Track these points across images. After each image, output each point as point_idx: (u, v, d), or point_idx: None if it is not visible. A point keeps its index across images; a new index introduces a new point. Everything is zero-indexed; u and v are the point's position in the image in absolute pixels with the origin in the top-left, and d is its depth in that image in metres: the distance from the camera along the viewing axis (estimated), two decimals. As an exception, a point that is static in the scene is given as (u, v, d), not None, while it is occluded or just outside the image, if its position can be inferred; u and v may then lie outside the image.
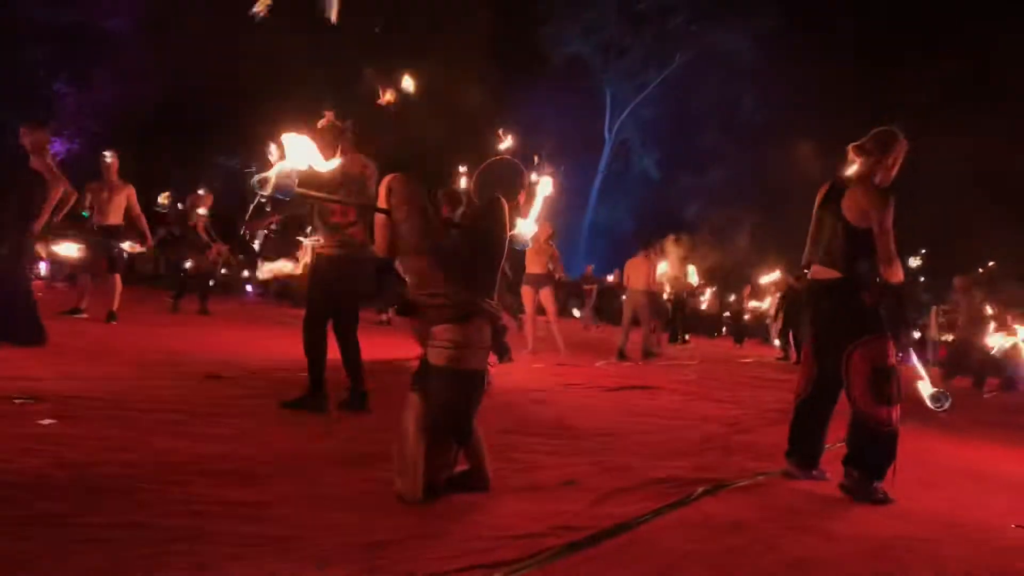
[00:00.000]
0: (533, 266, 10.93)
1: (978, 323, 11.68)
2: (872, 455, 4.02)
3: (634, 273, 11.88)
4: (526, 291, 11.03)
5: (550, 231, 10.94)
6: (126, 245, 8.92)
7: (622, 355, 11.41)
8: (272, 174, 2.94)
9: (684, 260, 14.55)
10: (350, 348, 4.99)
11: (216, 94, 20.13)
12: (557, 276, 11.20)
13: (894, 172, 4.25)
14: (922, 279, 28.25)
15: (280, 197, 2.97)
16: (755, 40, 28.18)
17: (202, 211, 11.54)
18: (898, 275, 4.12)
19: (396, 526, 2.83)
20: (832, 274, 4.22)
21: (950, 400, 4.77)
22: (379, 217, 3.42)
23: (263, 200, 3.46)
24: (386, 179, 3.39)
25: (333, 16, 5.75)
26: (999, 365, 11.69)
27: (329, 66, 23.87)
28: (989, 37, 25.21)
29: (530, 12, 28.05)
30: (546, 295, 10.86)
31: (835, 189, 4.30)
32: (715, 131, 29.33)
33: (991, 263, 18.06)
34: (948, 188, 22.86)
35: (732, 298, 23.34)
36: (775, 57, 27.49)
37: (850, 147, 4.31)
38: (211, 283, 12.37)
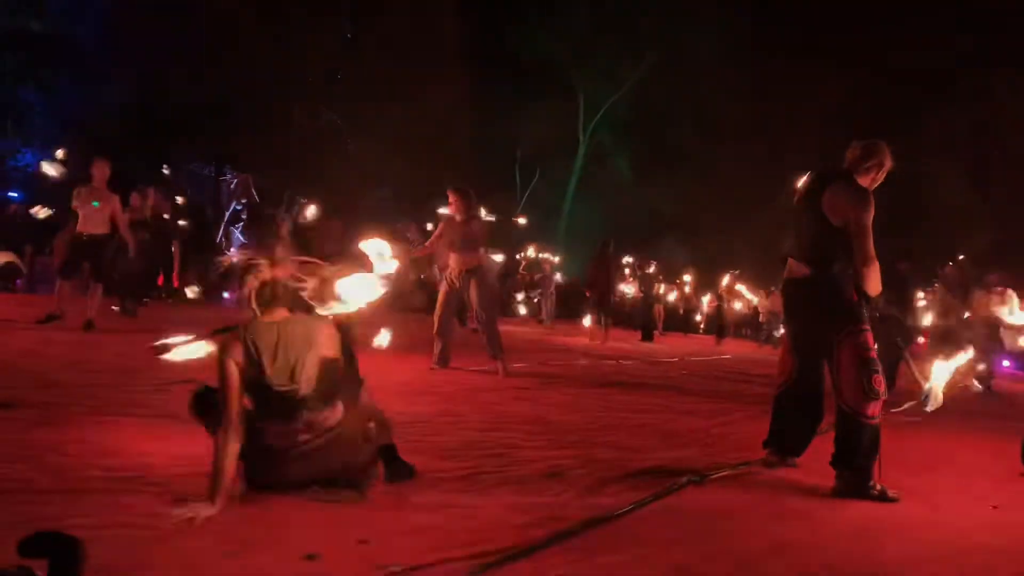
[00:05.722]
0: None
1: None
2: (858, 451, 3.88)
3: None
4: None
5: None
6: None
7: None
8: None
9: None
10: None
11: (188, 101, 19.94)
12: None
13: (877, 179, 4.18)
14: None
15: None
16: (724, 39, 28.18)
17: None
18: (876, 285, 3.96)
19: (383, 519, 2.84)
20: (807, 271, 4.14)
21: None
22: None
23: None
24: None
25: None
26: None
27: (299, 72, 23.72)
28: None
29: (501, 16, 28.05)
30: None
31: (816, 182, 4.21)
32: (688, 131, 29.31)
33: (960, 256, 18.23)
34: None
35: (708, 297, 23.43)
36: (746, 56, 27.61)
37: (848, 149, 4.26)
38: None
